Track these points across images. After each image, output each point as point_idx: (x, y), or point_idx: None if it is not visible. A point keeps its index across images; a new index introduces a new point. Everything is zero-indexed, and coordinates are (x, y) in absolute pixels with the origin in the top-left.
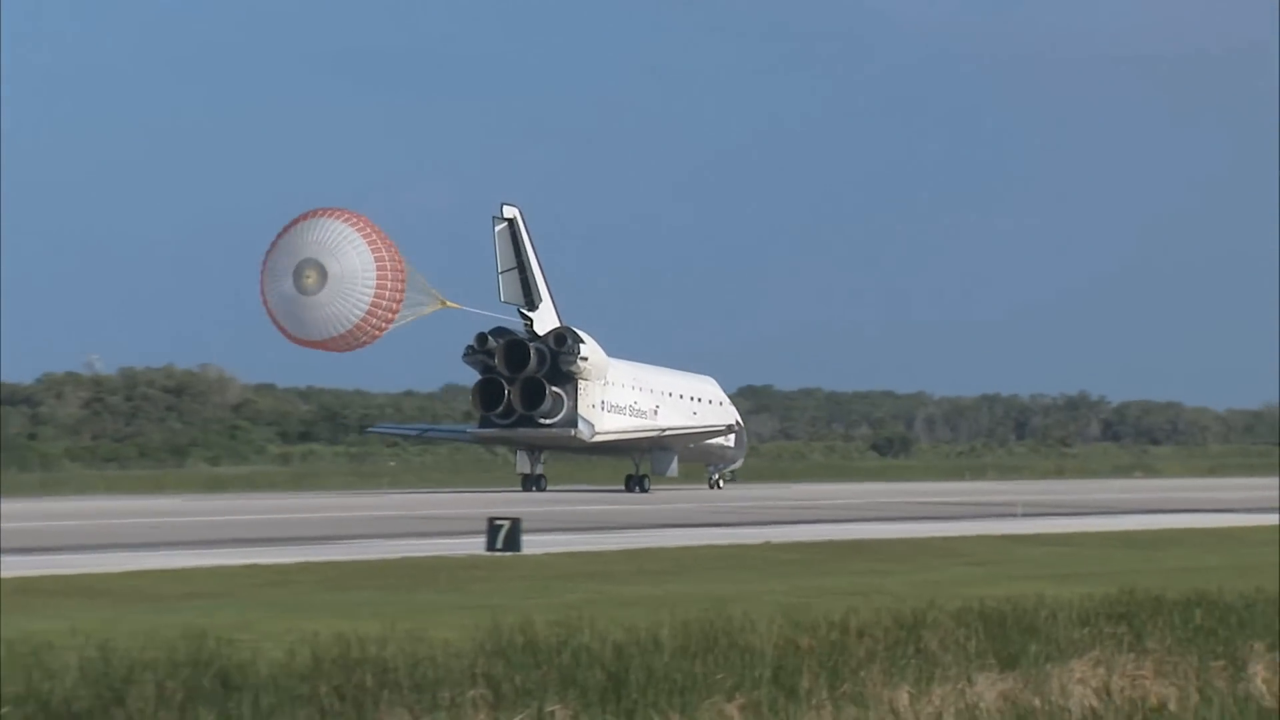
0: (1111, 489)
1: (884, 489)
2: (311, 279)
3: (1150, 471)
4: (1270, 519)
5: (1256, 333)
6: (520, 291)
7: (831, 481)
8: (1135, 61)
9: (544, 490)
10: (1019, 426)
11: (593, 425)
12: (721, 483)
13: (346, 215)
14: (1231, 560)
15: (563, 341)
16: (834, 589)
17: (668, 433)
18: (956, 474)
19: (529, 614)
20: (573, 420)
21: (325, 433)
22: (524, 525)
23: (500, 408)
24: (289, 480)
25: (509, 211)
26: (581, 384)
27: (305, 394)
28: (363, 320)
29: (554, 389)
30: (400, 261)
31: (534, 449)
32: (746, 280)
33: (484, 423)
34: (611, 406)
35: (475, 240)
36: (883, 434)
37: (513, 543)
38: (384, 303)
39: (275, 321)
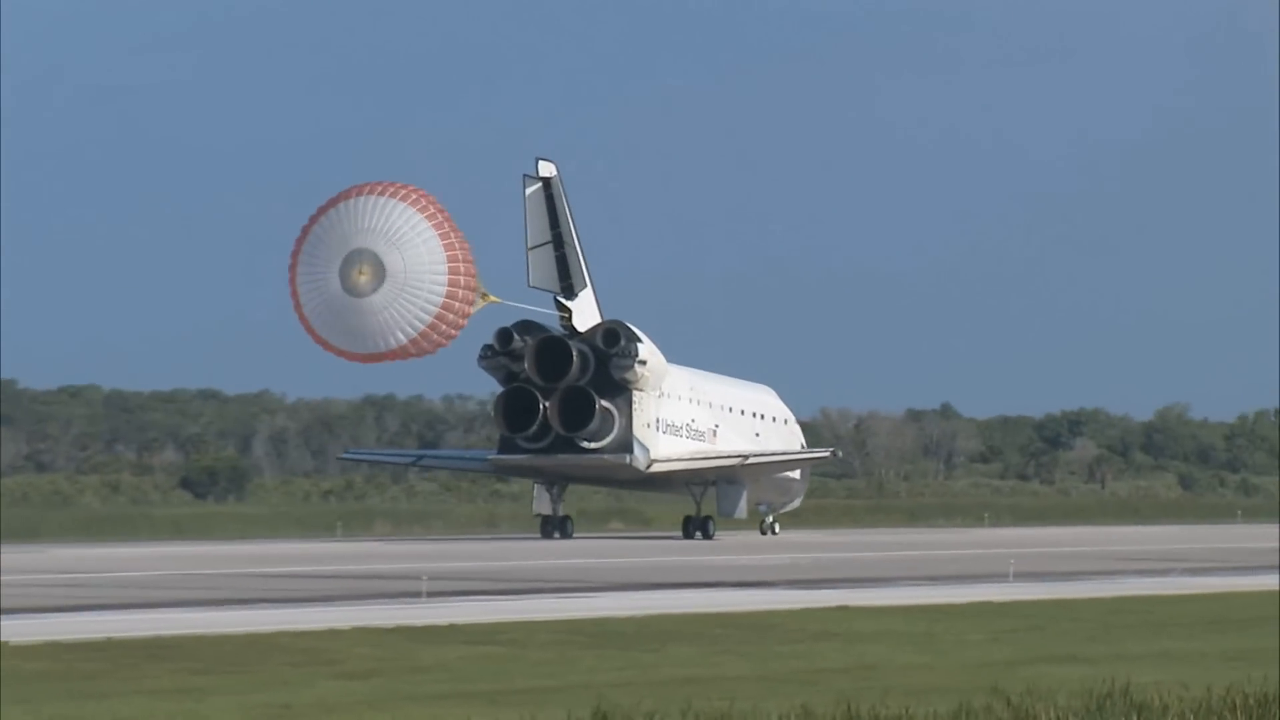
0: (580, 551)
1: (196, 553)
2: (366, 276)
3: (636, 519)
4: (828, 596)
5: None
6: (555, 274)
7: (115, 541)
8: None
9: (570, 537)
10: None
11: (648, 450)
12: (777, 526)
13: (405, 191)
14: (762, 666)
15: (614, 340)
16: (113, 718)
17: (750, 460)
18: (324, 526)
19: None
20: (626, 443)
21: None
22: None
23: (533, 427)
24: None
25: (545, 169)
26: (636, 396)
27: None
28: (430, 327)
29: (603, 403)
30: (469, 250)
31: (559, 483)
32: None
33: (506, 446)
34: (667, 426)
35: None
36: (201, 462)
37: None
38: (457, 304)
39: (311, 330)
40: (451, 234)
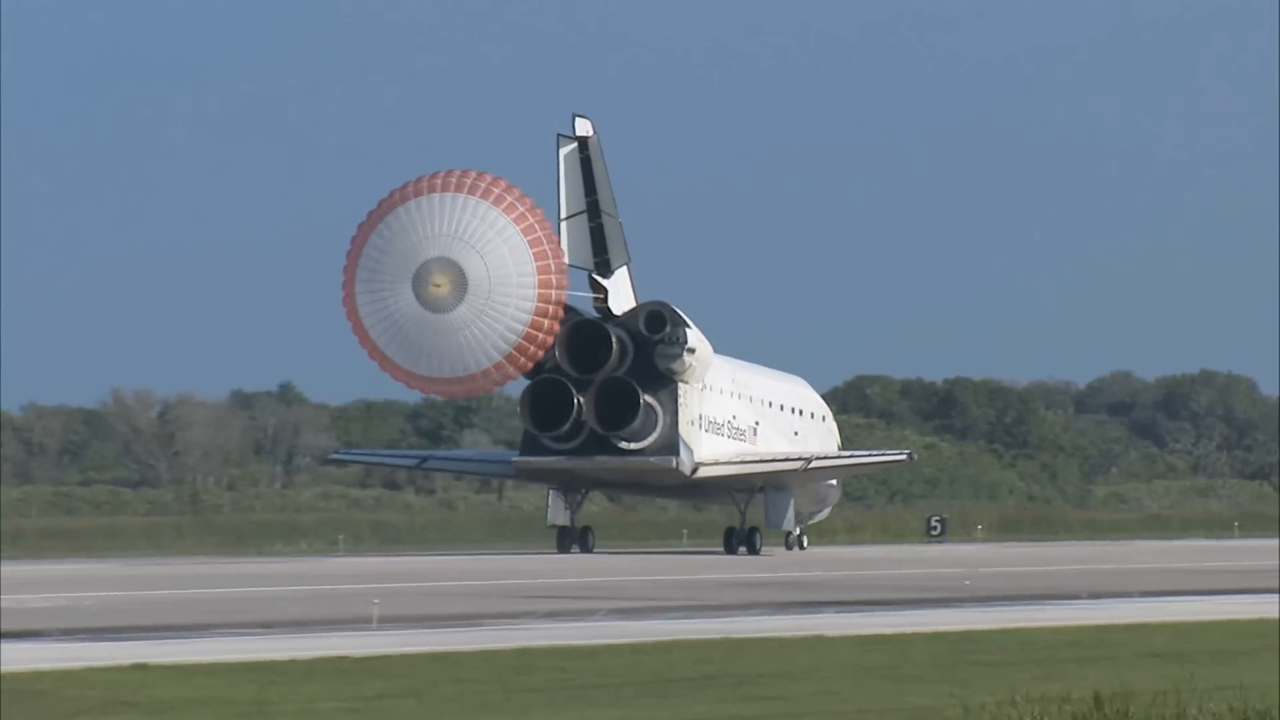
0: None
1: None
2: (443, 288)
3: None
4: (120, 650)
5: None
6: (591, 248)
7: None
8: None
9: (591, 551)
10: None
11: (693, 452)
12: (805, 540)
13: (480, 183)
14: None
15: (659, 324)
16: None
17: (815, 464)
18: None
19: None
20: (671, 444)
21: None
22: None
23: (566, 425)
24: None
25: (582, 126)
26: (681, 389)
27: None
28: (520, 345)
29: (647, 397)
30: (559, 248)
31: (585, 489)
32: None
33: (532, 447)
34: (709, 423)
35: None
36: None
37: None
38: (546, 319)
39: (377, 352)
40: (539, 230)
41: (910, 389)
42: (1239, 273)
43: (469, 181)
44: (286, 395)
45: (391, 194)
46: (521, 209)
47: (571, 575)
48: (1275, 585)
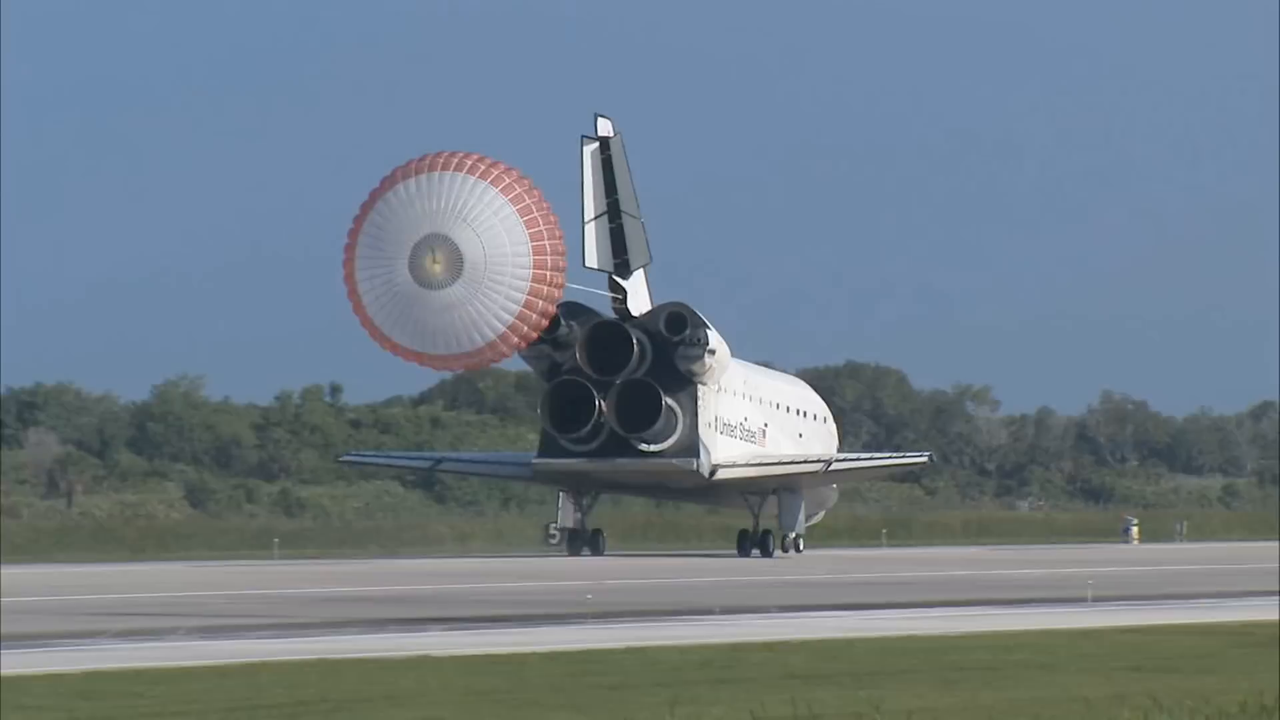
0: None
1: None
2: (439, 265)
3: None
4: None
5: None
6: (612, 250)
7: None
8: None
9: (602, 554)
10: None
11: (710, 453)
12: (801, 543)
13: (480, 164)
14: None
15: (680, 325)
16: None
17: (834, 466)
18: None
19: None
20: (691, 446)
21: None
22: None
23: (585, 427)
24: None
25: (604, 127)
26: (700, 391)
27: None
28: (514, 324)
29: (667, 399)
30: (557, 227)
31: (599, 491)
32: None
33: (549, 448)
34: (723, 425)
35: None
36: None
37: None
38: (542, 297)
39: (374, 329)
40: (535, 211)
41: (526, 383)
42: (886, 257)
43: (469, 163)
44: None
45: (394, 172)
46: (519, 190)
47: (153, 590)
48: (921, 600)
